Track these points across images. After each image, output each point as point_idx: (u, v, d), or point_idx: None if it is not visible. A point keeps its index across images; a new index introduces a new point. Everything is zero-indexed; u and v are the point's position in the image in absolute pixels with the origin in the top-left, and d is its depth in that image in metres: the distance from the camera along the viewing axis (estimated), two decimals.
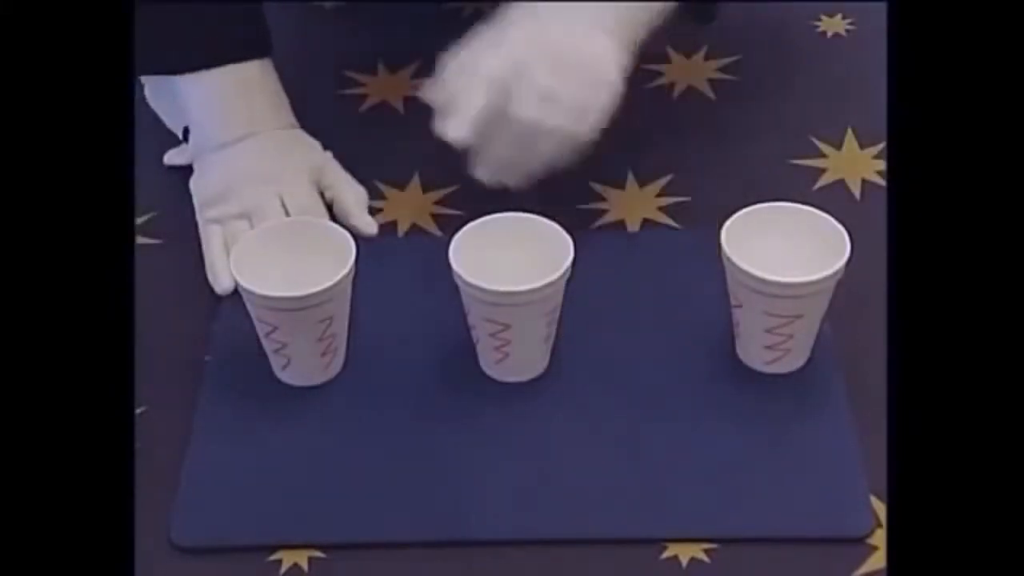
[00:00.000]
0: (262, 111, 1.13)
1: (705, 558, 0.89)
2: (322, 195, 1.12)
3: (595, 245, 1.04)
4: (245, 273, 0.96)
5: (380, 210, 1.14)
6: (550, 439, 0.96)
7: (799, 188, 1.13)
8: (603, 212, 1.12)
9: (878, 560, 0.88)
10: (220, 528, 0.92)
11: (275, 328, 0.97)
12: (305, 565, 0.90)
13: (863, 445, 0.93)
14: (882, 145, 1.17)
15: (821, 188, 1.13)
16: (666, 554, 0.89)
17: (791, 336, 0.96)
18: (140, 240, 1.12)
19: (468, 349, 1.00)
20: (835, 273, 0.94)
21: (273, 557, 0.91)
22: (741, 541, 0.90)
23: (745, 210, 0.98)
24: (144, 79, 1.22)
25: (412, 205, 1.14)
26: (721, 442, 0.95)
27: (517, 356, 0.98)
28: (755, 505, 0.91)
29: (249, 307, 0.97)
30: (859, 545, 0.89)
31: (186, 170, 1.14)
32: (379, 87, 1.25)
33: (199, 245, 1.10)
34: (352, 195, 1.12)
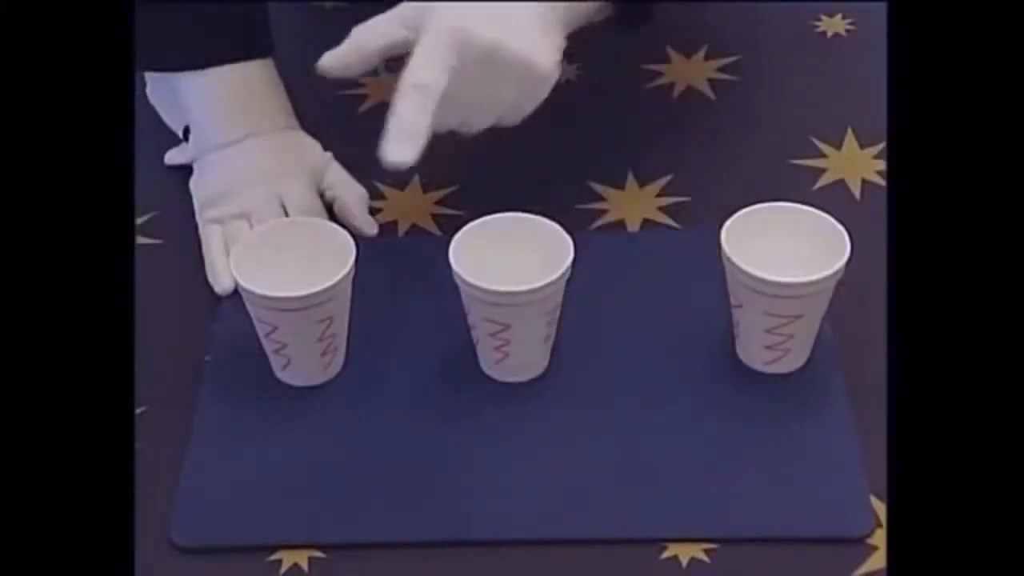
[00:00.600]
0: (263, 111, 1.12)
1: (705, 558, 0.89)
2: (322, 195, 1.12)
3: (595, 245, 1.04)
4: (245, 273, 0.96)
5: (380, 210, 1.14)
6: (550, 439, 0.96)
7: (799, 188, 1.12)
8: (603, 212, 1.12)
9: (878, 560, 0.88)
10: (220, 528, 0.92)
11: (275, 328, 0.97)
12: (305, 565, 0.90)
13: (863, 445, 0.93)
14: (882, 145, 1.16)
15: (821, 188, 1.13)
16: (666, 554, 0.89)
17: (791, 336, 0.96)
18: (140, 240, 1.12)
19: (468, 349, 1.00)
20: (835, 273, 0.94)
21: (273, 557, 0.91)
22: (741, 541, 0.90)
23: (745, 210, 0.98)
24: (146, 76, 1.22)
25: (412, 205, 1.14)
26: (721, 442, 0.95)
27: (517, 356, 0.98)
28: (755, 505, 0.91)
29: (249, 307, 0.97)
30: (859, 545, 0.89)
31: (186, 170, 1.14)
32: (379, 87, 1.25)
33: (199, 245, 1.10)
34: (352, 195, 1.12)
